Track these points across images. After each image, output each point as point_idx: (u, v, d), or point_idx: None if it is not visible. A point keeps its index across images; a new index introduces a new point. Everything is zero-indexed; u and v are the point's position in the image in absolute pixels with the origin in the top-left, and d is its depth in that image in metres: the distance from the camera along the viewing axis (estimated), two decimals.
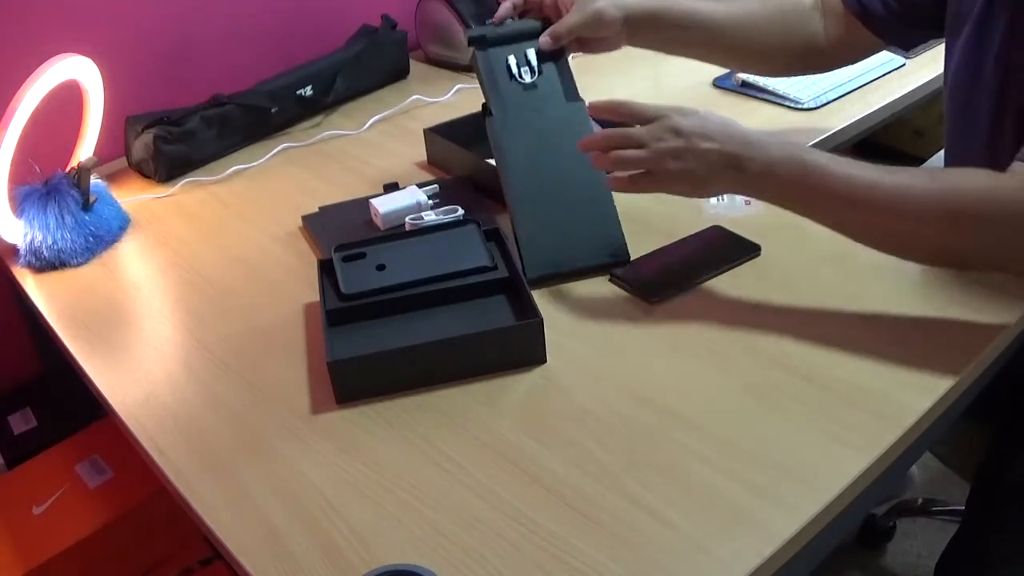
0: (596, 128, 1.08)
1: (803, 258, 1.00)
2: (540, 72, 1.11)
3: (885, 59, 1.44)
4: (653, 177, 0.90)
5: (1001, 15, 0.91)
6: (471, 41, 1.13)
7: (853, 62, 1.20)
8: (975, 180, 0.81)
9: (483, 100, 1.12)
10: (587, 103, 0.97)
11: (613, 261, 1.02)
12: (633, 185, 0.92)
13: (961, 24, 0.97)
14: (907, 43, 1.13)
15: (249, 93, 1.45)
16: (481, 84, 1.12)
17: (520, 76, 1.10)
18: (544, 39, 1.08)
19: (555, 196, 1.04)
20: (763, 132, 0.89)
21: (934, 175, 0.83)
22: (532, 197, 1.05)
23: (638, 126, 0.91)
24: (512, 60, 1.11)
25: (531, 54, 1.11)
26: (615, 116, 0.93)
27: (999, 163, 0.90)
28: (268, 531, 0.76)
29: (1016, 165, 0.81)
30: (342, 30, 1.64)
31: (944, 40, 1.03)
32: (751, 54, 1.16)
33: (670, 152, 0.87)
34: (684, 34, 1.12)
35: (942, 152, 1.09)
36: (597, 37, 1.09)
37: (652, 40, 1.13)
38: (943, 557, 1.00)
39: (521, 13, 1.15)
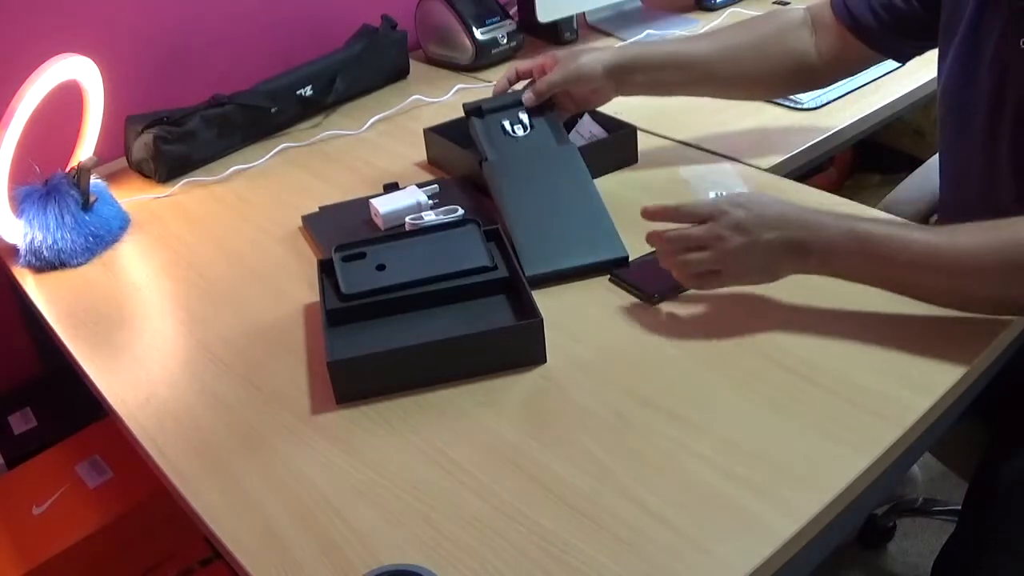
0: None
1: None
2: (532, 127, 1.18)
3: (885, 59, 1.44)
4: (722, 276, 0.90)
5: (996, 18, 0.91)
6: (468, 112, 1.21)
7: (847, 76, 1.22)
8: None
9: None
10: (643, 208, 0.94)
11: (612, 261, 1.02)
12: (704, 284, 0.92)
13: (954, 28, 0.97)
14: (900, 54, 1.12)
15: (249, 93, 1.45)
16: (477, 143, 1.18)
17: (513, 132, 1.18)
18: (527, 95, 1.15)
19: (550, 207, 1.08)
20: (812, 209, 0.87)
21: (989, 229, 0.82)
22: (527, 208, 1.07)
23: (696, 226, 0.89)
24: (506, 123, 1.18)
25: (523, 115, 1.19)
26: (670, 220, 0.92)
27: (996, 166, 0.90)
28: (268, 531, 0.76)
29: None
30: (342, 30, 1.64)
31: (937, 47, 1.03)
32: (743, 83, 1.18)
33: (736, 250, 0.87)
34: (669, 75, 1.15)
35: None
36: (586, 92, 1.15)
37: (639, 86, 1.17)
38: (939, 557, 1.00)
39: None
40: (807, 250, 0.86)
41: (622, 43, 1.17)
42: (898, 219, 0.87)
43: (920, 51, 1.11)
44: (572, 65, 1.13)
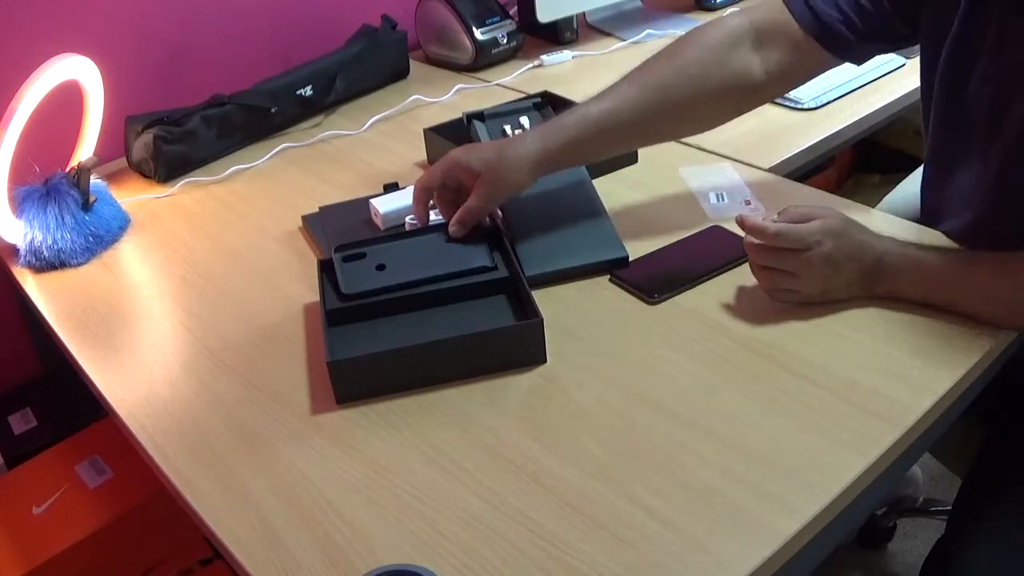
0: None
1: None
2: None
3: (885, 59, 1.44)
4: (799, 296, 0.92)
5: (991, 16, 0.90)
6: (469, 118, 1.21)
7: (792, 89, 1.12)
8: None
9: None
10: (741, 219, 0.91)
11: (612, 261, 1.02)
12: (781, 298, 0.93)
13: (944, 28, 0.95)
14: (862, 58, 1.06)
15: (249, 93, 1.45)
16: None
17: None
18: (452, 229, 1.01)
19: (550, 208, 1.08)
20: (890, 239, 0.91)
21: None
22: (527, 208, 1.08)
23: (791, 251, 0.90)
24: (507, 127, 1.18)
25: (524, 121, 1.18)
26: (769, 242, 0.90)
27: (989, 162, 0.90)
28: (268, 531, 0.76)
29: None
30: (342, 30, 1.64)
31: (919, 46, 1.01)
32: (679, 124, 1.08)
33: (819, 280, 0.90)
34: (596, 147, 1.03)
35: None
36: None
37: (564, 167, 1.05)
38: (928, 559, 1.00)
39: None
40: (878, 278, 0.90)
41: (545, 121, 1.02)
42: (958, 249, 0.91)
43: (876, 54, 1.08)
44: (500, 189, 0.99)
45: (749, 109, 1.08)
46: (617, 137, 1.03)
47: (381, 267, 1.00)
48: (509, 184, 1.00)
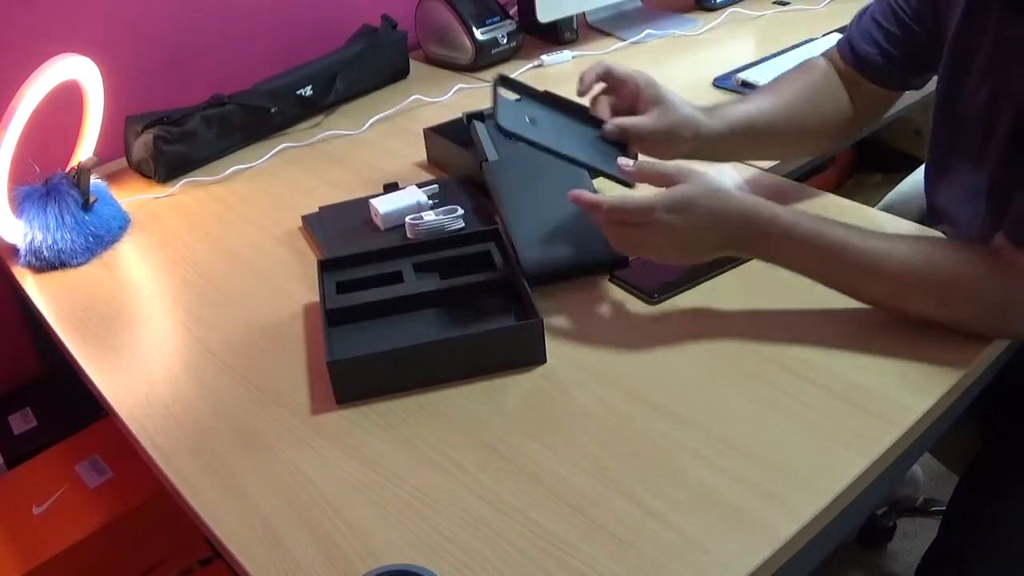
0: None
1: None
2: None
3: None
4: (659, 260, 0.90)
5: (987, 25, 0.90)
6: (470, 117, 1.21)
7: (876, 120, 1.15)
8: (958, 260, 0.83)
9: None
10: (575, 196, 0.91)
11: (612, 261, 1.02)
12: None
13: (948, 34, 0.96)
14: (912, 85, 1.08)
15: (249, 93, 1.45)
16: (478, 145, 1.17)
17: None
18: (609, 127, 0.98)
19: (550, 208, 1.07)
20: (751, 204, 0.87)
21: (935, 244, 0.85)
22: (527, 208, 1.07)
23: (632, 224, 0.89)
24: None
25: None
26: (603, 217, 0.90)
27: (983, 167, 0.90)
28: (268, 531, 0.76)
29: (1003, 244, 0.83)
30: (342, 30, 1.64)
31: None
32: (799, 140, 1.11)
33: (671, 247, 0.88)
34: (740, 141, 1.05)
35: None
36: (661, 149, 1.01)
37: (718, 157, 1.09)
38: (922, 563, 1.00)
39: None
40: (750, 244, 0.88)
41: (704, 107, 1.03)
42: (839, 222, 0.86)
43: (933, 72, 1.06)
44: (665, 125, 0.98)
45: (851, 139, 1.17)
46: (748, 138, 1.05)
47: (533, 120, 0.93)
48: (674, 133, 0.98)
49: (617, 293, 1.00)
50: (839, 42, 1.10)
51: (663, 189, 0.87)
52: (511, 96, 0.95)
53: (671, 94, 0.99)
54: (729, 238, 0.87)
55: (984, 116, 0.92)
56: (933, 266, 0.83)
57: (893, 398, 0.81)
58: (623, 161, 0.90)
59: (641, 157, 0.93)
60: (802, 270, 0.88)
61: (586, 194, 0.89)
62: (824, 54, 1.12)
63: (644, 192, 0.88)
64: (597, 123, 0.98)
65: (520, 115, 0.92)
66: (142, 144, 1.37)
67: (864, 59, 1.05)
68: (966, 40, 0.93)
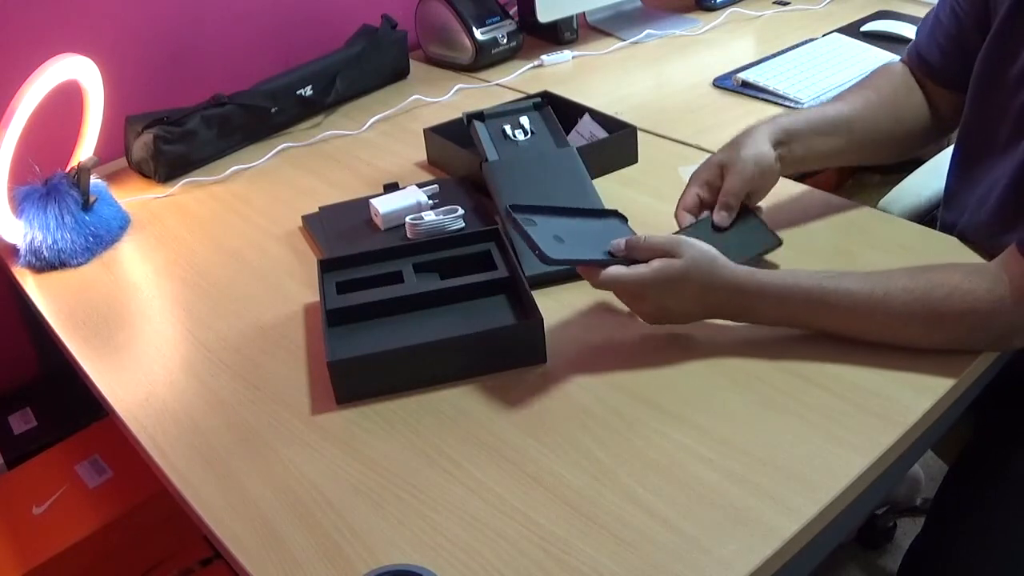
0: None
1: (803, 258, 1.00)
2: (533, 132, 1.19)
3: (884, 58, 1.44)
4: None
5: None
6: (469, 118, 1.22)
7: (951, 127, 1.11)
8: (949, 279, 0.83)
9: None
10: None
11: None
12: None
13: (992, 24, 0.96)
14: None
15: (249, 93, 1.45)
16: (478, 145, 1.18)
17: (514, 136, 1.19)
18: (719, 216, 0.99)
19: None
20: (741, 282, 0.87)
21: (918, 275, 0.84)
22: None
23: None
24: (507, 127, 1.19)
25: (524, 120, 1.19)
26: (597, 286, 0.90)
27: (1009, 162, 0.90)
28: (268, 531, 0.76)
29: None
30: (342, 30, 1.64)
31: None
32: (880, 144, 1.09)
33: (659, 315, 0.90)
34: (822, 142, 1.05)
35: (949, 148, 1.08)
36: (765, 183, 1.02)
37: (796, 161, 1.05)
38: (905, 559, 0.99)
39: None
40: (735, 311, 0.89)
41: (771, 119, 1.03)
42: (830, 272, 0.87)
43: None
44: (748, 169, 0.99)
45: (929, 144, 1.12)
46: (831, 140, 1.04)
47: (559, 239, 0.92)
48: (749, 156, 0.99)
49: None
50: (908, 50, 1.09)
51: (660, 261, 0.87)
52: (529, 220, 0.96)
53: (736, 152, 1.00)
54: (720, 308, 0.89)
55: (1019, 115, 0.92)
56: (942, 303, 0.82)
57: (893, 398, 0.81)
58: (614, 244, 0.91)
59: (639, 232, 0.93)
60: (802, 328, 0.89)
61: (584, 266, 0.91)
62: (902, 58, 1.11)
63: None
64: (598, 214, 1.01)
65: (549, 239, 0.92)
66: (142, 144, 1.37)
67: (927, 63, 1.05)
68: (1011, 35, 0.92)
